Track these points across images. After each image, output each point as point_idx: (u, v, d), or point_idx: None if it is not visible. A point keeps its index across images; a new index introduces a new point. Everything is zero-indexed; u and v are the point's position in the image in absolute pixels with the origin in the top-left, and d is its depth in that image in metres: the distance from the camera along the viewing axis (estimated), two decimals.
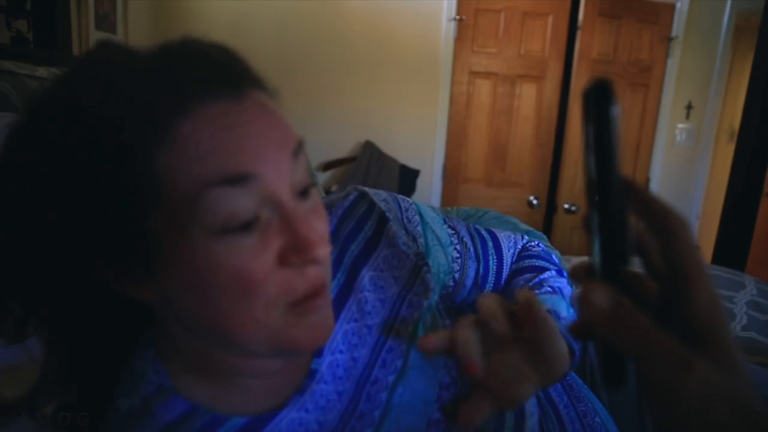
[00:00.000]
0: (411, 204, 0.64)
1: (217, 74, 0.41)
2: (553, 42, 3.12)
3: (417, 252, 0.59)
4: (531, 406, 0.56)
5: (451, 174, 3.29)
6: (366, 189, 0.62)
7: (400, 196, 0.65)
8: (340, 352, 0.53)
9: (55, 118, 0.40)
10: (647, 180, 3.33)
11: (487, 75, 3.19)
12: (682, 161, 3.41)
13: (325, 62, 3.14)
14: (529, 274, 0.66)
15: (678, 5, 3.12)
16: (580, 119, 0.32)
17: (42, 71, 1.67)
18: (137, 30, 2.70)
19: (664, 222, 0.31)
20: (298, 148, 0.44)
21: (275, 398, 0.49)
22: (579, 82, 3.06)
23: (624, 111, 3.21)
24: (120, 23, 2.55)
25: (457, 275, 0.63)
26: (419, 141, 3.23)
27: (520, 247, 0.72)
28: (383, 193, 0.64)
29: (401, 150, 3.18)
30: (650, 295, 0.32)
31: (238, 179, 0.39)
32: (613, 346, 0.29)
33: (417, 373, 0.53)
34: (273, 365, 0.49)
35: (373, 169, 2.95)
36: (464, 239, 0.66)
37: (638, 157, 3.28)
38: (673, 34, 3.17)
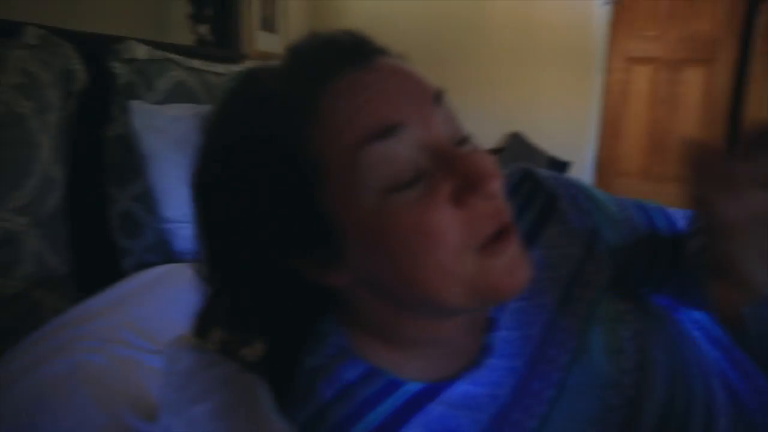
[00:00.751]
0: (577, 181, 0.62)
1: (343, 50, 0.43)
2: (727, 19, 2.80)
3: (590, 227, 0.57)
4: (721, 405, 0.53)
5: (605, 167, 3.10)
6: (531, 167, 0.61)
7: (566, 175, 0.63)
8: (513, 328, 0.52)
9: (223, 139, 0.45)
10: None
11: (647, 60, 2.96)
12: None
13: (471, 53, 3.13)
14: None
15: None
16: None
17: (219, 68, 1.86)
18: (295, 28, 2.90)
19: None
20: (438, 95, 0.44)
21: (450, 368, 0.49)
22: (759, 63, 2.72)
23: None
24: (280, 23, 2.76)
25: (628, 253, 0.60)
26: (570, 132, 3.09)
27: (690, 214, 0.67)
28: (548, 171, 0.62)
29: (550, 142, 3.06)
30: None
31: (388, 131, 0.39)
32: None
33: (595, 356, 0.51)
34: (456, 336, 0.49)
35: (521, 161, 2.88)
36: (633, 215, 0.62)
37: None
38: None
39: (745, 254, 0.43)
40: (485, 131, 3.11)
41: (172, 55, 1.61)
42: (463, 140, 0.44)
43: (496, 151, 3.05)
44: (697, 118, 2.95)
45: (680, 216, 0.65)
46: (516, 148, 2.98)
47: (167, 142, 1.36)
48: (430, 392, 0.48)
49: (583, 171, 3.08)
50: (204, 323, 0.52)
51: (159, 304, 1.04)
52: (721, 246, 0.44)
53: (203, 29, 2.22)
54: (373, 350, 0.49)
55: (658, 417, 0.49)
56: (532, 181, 0.59)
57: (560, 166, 2.99)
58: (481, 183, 0.40)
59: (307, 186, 0.41)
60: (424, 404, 0.47)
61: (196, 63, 1.72)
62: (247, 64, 2.11)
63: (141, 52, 1.49)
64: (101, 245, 1.41)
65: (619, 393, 0.50)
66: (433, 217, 0.39)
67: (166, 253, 1.39)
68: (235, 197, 0.44)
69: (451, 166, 0.40)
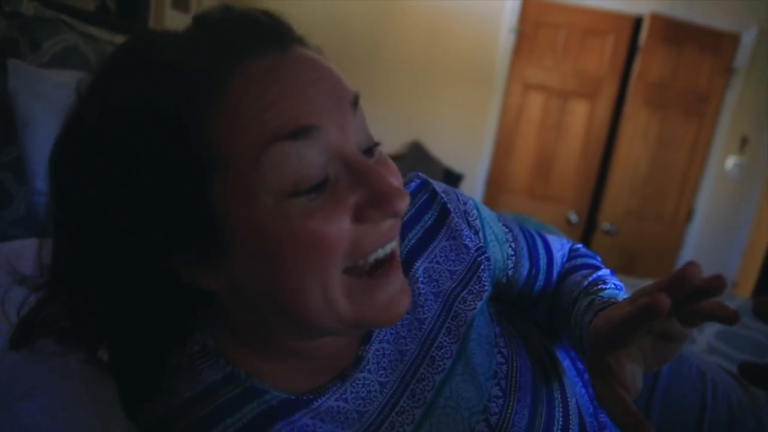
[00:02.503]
0: (469, 198, 0.62)
1: (259, 32, 0.39)
2: (611, 61, 3.10)
3: (479, 246, 0.57)
4: (574, 426, 0.55)
5: (494, 182, 3.29)
6: (428, 178, 0.59)
7: (458, 190, 0.62)
8: (387, 342, 0.50)
9: (100, 106, 0.38)
10: (691, 211, 3.27)
11: (541, 88, 3.19)
12: (731, 195, 3.34)
13: (382, 60, 3.19)
14: (585, 271, 0.63)
15: (744, 37, 3.06)
16: None
17: (120, 39, 1.76)
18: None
19: None
20: (355, 99, 0.41)
21: (317, 379, 0.47)
22: (633, 104, 3.03)
23: (675, 138, 3.17)
24: (193, 3, 2.65)
25: (510, 272, 0.61)
26: (466, 146, 3.25)
27: (567, 249, 0.70)
28: (442, 185, 0.61)
29: (447, 153, 3.20)
30: None
31: (301, 132, 0.36)
32: None
33: (467, 379, 0.50)
34: (326, 348, 0.47)
35: (419, 169, 2.98)
36: (518, 237, 0.64)
37: (685, 186, 3.23)
38: (735, 65, 3.11)
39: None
40: (387, 138, 3.19)
41: (66, 17, 1.50)
42: (373, 148, 0.43)
43: (395, 159, 3.14)
44: (579, 146, 3.23)
45: (557, 246, 0.68)
46: (415, 156, 3.09)
47: (49, 109, 1.27)
48: (293, 405, 0.46)
49: (475, 184, 3.26)
50: (31, 323, 0.43)
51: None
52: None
53: None
54: (239, 354, 0.46)
55: None
56: (428, 191, 0.58)
57: (454, 177, 3.14)
58: (387, 201, 0.38)
59: (198, 176, 0.37)
60: (285, 416, 0.45)
61: (94, 30, 1.61)
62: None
63: (27, 7, 1.38)
64: None
65: (484, 419, 0.49)
66: (332, 229, 0.37)
67: (35, 228, 1.30)
68: (109, 175, 0.38)
69: (362, 178, 0.38)
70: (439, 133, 3.22)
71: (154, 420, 0.43)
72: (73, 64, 1.46)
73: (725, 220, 3.35)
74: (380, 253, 0.41)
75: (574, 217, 3.25)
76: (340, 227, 0.38)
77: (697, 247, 3.30)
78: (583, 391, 0.64)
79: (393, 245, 0.42)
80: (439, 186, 0.60)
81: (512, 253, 0.62)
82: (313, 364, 0.48)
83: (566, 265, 0.68)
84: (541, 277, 0.65)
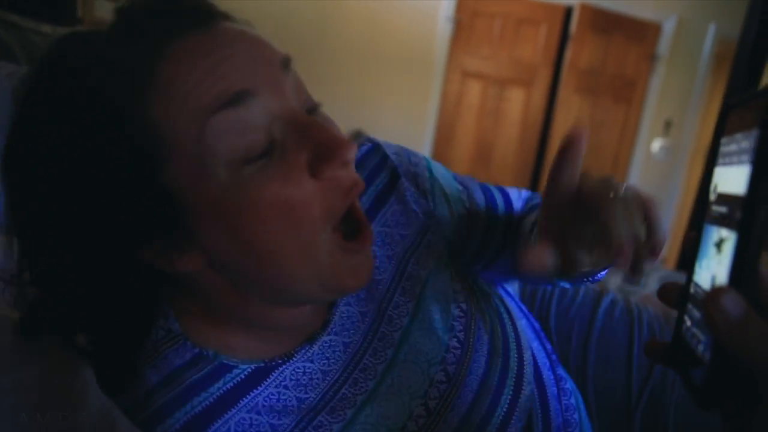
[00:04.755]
0: (421, 159, 0.62)
1: (181, 13, 0.39)
2: (544, 50, 3.23)
3: (426, 210, 0.58)
4: (529, 375, 0.56)
5: None
6: (379, 141, 0.60)
7: (412, 150, 0.62)
8: (350, 304, 0.52)
9: (40, 107, 0.38)
10: None
11: (479, 76, 3.28)
12: (658, 175, 3.55)
13: (322, 51, 3.19)
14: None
15: (665, 26, 3.25)
16: (716, 131, 0.29)
17: (46, 28, 1.70)
18: None
19: None
20: (286, 61, 0.41)
21: (287, 346, 0.48)
22: (566, 91, 3.17)
23: (606, 123, 3.33)
24: None
25: (464, 232, 0.61)
26: (408, 135, 3.31)
27: (525, 196, 0.70)
28: (394, 146, 0.61)
29: (389, 141, 3.24)
30: None
31: (237, 98, 0.37)
32: (731, 358, 0.26)
33: (424, 334, 0.52)
34: (298, 316, 0.48)
35: None
36: (472, 193, 0.63)
37: (617, 168, 3.40)
38: (658, 53, 3.30)
39: (572, 234, 0.41)
40: None
41: None
42: (313, 108, 0.43)
43: None
44: (516, 132, 3.35)
45: (516, 196, 0.67)
46: (357, 145, 3.12)
47: None
48: (263, 372, 0.46)
49: None
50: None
51: None
52: (556, 224, 0.42)
53: None
54: (207, 334, 0.46)
55: (475, 391, 0.52)
56: (379, 155, 0.58)
57: None
58: (336, 151, 0.38)
59: (147, 161, 0.37)
60: (253, 386, 0.46)
61: (16, 18, 1.56)
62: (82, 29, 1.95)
63: None
64: None
65: (442, 369, 0.51)
66: (295, 189, 0.37)
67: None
68: (59, 175, 0.38)
69: (305, 134, 0.39)
70: (380, 121, 3.27)
71: (123, 409, 0.43)
72: None
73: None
74: (350, 200, 0.42)
75: None
76: (302, 187, 0.38)
77: None
78: (540, 346, 0.66)
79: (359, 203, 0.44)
80: (390, 148, 0.59)
81: (465, 211, 0.61)
82: (284, 333, 0.48)
83: (525, 210, 0.66)
84: (500, 230, 0.63)
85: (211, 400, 0.45)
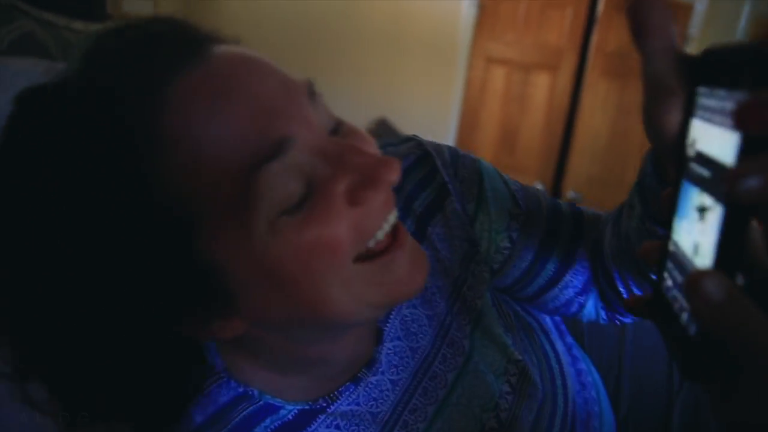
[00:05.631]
0: (475, 169, 0.55)
1: (167, 43, 0.34)
2: (570, 33, 3.17)
3: (471, 237, 0.53)
4: (571, 405, 0.55)
5: None
6: (429, 147, 0.54)
7: (467, 155, 0.56)
8: (399, 339, 0.49)
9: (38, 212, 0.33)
10: None
11: (503, 62, 3.24)
12: None
13: (345, 39, 3.20)
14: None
15: (697, 6, 3.15)
16: (691, 79, 0.27)
17: (78, 24, 1.75)
18: None
19: None
20: (311, 89, 0.38)
21: (333, 385, 0.46)
22: (593, 75, 3.11)
23: (635, 106, 3.26)
24: None
25: (514, 234, 0.55)
26: (432, 121, 3.30)
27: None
28: (447, 152, 0.55)
29: (413, 128, 3.23)
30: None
31: (280, 148, 0.32)
32: (717, 337, 0.26)
33: (478, 376, 0.50)
34: (345, 351, 0.45)
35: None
36: (533, 193, 0.57)
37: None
38: (690, 33, 3.20)
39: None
40: (353, 115, 3.22)
41: (20, 3, 1.50)
42: (338, 127, 0.39)
43: None
44: (542, 117, 3.31)
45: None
46: (381, 132, 3.13)
47: (9, 98, 1.28)
48: (308, 415, 0.45)
49: None
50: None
51: None
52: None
53: None
54: (251, 373, 0.45)
55: None
56: (429, 166, 0.53)
57: None
58: (378, 175, 0.35)
59: (178, 238, 0.33)
60: (302, 426, 0.45)
61: (50, 16, 1.61)
62: (111, 24, 2.00)
63: None
64: None
65: (495, 415, 0.49)
66: (333, 226, 0.34)
67: None
68: (83, 273, 0.34)
69: (341, 163, 0.35)
70: (404, 108, 3.27)
71: None
72: (32, 52, 1.47)
73: None
74: (385, 227, 0.38)
75: (539, 186, 3.34)
76: (340, 220, 0.34)
77: None
78: (560, 341, 0.64)
79: (394, 215, 0.39)
80: (441, 156, 0.54)
81: (508, 245, 0.55)
82: (330, 370, 0.46)
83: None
84: (542, 280, 0.56)
85: None
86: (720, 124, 0.25)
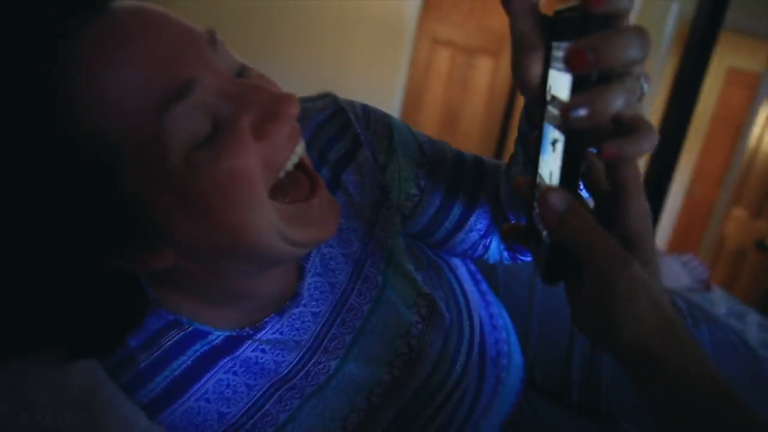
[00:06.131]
0: (387, 123, 0.59)
1: (64, 3, 0.35)
2: None
3: (382, 184, 0.57)
4: (477, 336, 0.61)
5: None
6: (343, 103, 0.57)
7: (377, 110, 0.60)
8: (319, 275, 0.53)
9: None
10: None
11: (448, 44, 3.31)
12: None
13: (293, 14, 3.14)
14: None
15: None
16: (548, 35, 0.33)
17: None
18: None
19: None
20: (212, 38, 0.40)
21: (258, 317, 0.50)
22: None
23: None
24: None
25: (422, 182, 0.59)
26: (376, 99, 3.29)
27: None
28: (359, 107, 0.59)
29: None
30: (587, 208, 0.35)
31: (185, 89, 0.35)
32: (562, 243, 0.32)
33: (390, 308, 0.55)
34: (269, 286, 0.49)
35: None
36: (442, 145, 0.61)
37: None
38: None
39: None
40: (299, 90, 3.17)
41: None
42: (243, 71, 0.42)
43: None
44: (483, 101, 3.41)
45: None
46: None
47: None
48: (234, 341, 0.49)
49: None
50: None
51: None
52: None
53: None
54: (180, 304, 0.47)
55: (434, 360, 0.56)
56: (343, 119, 0.56)
57: None
58: (279, 109, 0.38)
59: (100, 176, 0.35)
60: (230, 349, 0.48)
61: None
62: None
63: None
64: None
65: (406, 342, 0.55)
66: (242, 157, 0.37)
67: None
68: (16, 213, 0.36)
69: (245, 101, 0.38)
70: (350, 85, 3.27)
71: (106, 368, 0.45)
72: None
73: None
74: (294, 159, 0.42)
75: None
76: (248, 152, 0.37)
77: None
78: (475, 288, 0.71)
79: (301, 147, 0.43)
80: (354, 110, 0.57)
81: (416, 192, 0.59)
82: (256, 303, 0.49)
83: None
84: (449, 222, 0.61)
85: (189, 363, 0.47)
86: (563, 69, 0.30)
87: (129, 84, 0.34)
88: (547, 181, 0.34)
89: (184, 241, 0.39)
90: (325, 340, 0.52)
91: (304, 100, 0.57)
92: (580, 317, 0.34)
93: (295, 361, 0.51)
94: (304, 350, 0.51)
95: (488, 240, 0.63)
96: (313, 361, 0.52)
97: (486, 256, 0.65)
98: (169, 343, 0.46)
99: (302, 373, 0.51)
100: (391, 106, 3.36)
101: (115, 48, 0.34)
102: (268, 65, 3.24)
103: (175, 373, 0.46)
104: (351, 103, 0.59)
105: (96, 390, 0.43)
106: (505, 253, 0.64)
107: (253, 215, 0.38)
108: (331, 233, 0.45)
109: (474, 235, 0.62)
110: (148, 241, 0.39)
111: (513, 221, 0.58)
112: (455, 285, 0.64)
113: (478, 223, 0.61)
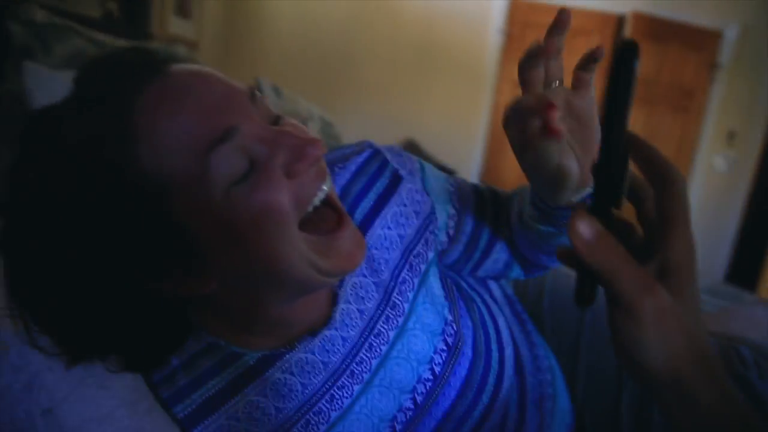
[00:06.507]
0: (416, 161, 0.66)
1: (135, 68, 0.43)
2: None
3: (428, 206, 0.61)
4: (509, 370, 0.62)
5: (487, 177, 3.41)
6: (380, 146, 0.63)
7: (407, 153, 0.66)
8: (348, 302, 0.56)
9: (40, 191, 0.41)
10: None
11: None
12: (720, 189, 3.41)
13: (378, 61, 3.33)
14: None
15: (726, 33, 3.16)
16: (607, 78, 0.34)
17: (122, 42, 1.91)
18: (211, 16, 2.96)
19: (662, 173, 0.34)
20: (252, 94, 0.46)
21: (291, 338, 0.53)
22: None
23: (662, 134, 3.26)
24: (195, 10, 2.82)
25: (451, 231, 0.65)
26: (458, 143, 3.38)
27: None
28: (396, 148, 0.65)
29: (440, 150, 3.32)
30: (635, 237, 0.37)
31: (227, 135, 0.41)
32: (589, 270, 0.33)
33: (416, 334, 0.58)
34: (304, 311, 0.53)
35: None
36: (463, 188, 0.67)
37: None
38: (720, 61, 3.20)
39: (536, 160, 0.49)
40: (381, 135, 3.33)
41: (74, 24, 1.66)
42: (278, 120, 0.47)
43: None
44: None
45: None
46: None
47: None
48: (267, 360, 0.52)
49: (467, 179, 3.38)
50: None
51: None
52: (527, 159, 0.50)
53: (111, 5, 2.26)
54: (218, 329, 0.52)
55: (458, 389, 0.57)
56: (379, 160, 0.61)
57: (447, 172, 3.26)
58: (304, 151, 0.43)
59: (152, 206, 0.41)
60: (261, 371, 0.52)
61: (100, 35, 1.77)
62: (154, 44, 2.17)
63: (40, 15, 1.54)
64: None
65: (430, 368, 0.57)
66: (273, 193, 0.42)
67: None
68: (79, 238, 0.42)
69: (276, 145, 0.43)
70: (431, 130, 3.35)
71: (150, 386, 0.50)
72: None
73: (716, 213, 3.42)
74: (320, 195, 0.46)
75: None
76: (280, 188, 0.42)
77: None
78: (519, 327, 0.72)
79: (326, 188, 0.47)
80: (391, 152, 0.63)
81: (454, 212, 0.65)
82: (291, 330, 0.53)
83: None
84: (485, 238, 0.67)
85: (223, 384, 0.51)
86: None
87: (181, 130, 0.41)
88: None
89: (224, 268, 0.44)
90: (352, 364, 0.55)
91: (345, 147, 0.64)
92: (616, 344, 0.34)
93: (320, 385, 0.53)
94: (330, 373, 0.54)
95: (512, 265, 0.69)
96: (337, 384, 0.54)
97: (510, 276, 0.71)
98: (207, 365, 0.51)
99: (326, 396, 0.54)
100: (473, 150, 3.39)
101: (170, 102, 0.41)
102: (352, 112, 3.46)
103: (211, 392, 0.51)
104: (387, 147, 0.65)
105: (142, 397, 0.49)
106: (521, 273, 0.70)
107: (285, 245, 0.43)
108: (356, 263, 0.49)
109: (500, 264, 0.68)
110: (193, 266, 0.44)
111: (528, 252, 0.64)
112: (486, 317, 0.65)
113: (502, 251, 0.67)
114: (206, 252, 0.43)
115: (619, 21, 3.14)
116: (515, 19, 3.21)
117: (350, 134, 3.37)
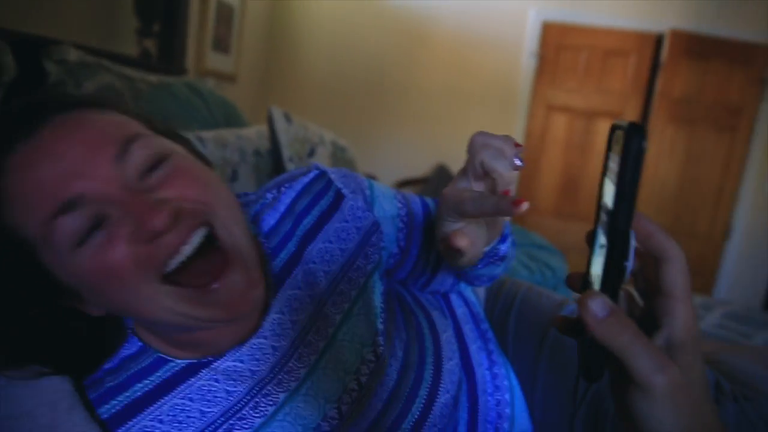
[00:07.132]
0: (364, 180, 0.69)
1: (13, 123, 0.47)
2: (634, 80, 3.13)
3: (372, 220, 0.64)
4: (447, 384, 0.62)
5: None
6: (325, 168, 0.67)
7: (353, 173, 0.70)
8: (282, 313, 0.58)
9: None
10: (728, 227, 3.17)
11: (565, 109, 3.25)
12: None
13: (412, 90, 3.36)
14: None
15: None
16: (606, 146, 0.35)
17: (153, 78, 1.99)
18: (249, 51, 3.06)
19: (664, 249, 0.35)
20: (124, 145, 0.47)
21: (220, 347, 0.55)
22: (657, 121, 3.03)
23: (706, 154, 3.12)
24: (234, 44, 2.91)
25: (402, 243, 0.68)
26: None
27: None
28: (343, 170, 0.68)
29: None
30: (635, 308, 0.38)
31: (66, 207, 0.44)
32: (602, 347, 0.32)
33: (344, 345, 0.58)
34: (224, 336, 0.54)
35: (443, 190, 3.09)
36: (413, 206, 0.69)
37: (720, 202, 3.15)
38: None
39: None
40: (414, 161, 3.33)
41: (105, 61, 1.75)
42: (158, 163, 0.48)
43: (421, 181, 3.26)
44: None
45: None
46: (440, 178, 3.19)
47: None
48: (194, 367, 0.54)
49: None
50: None
51: None
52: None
53: (149, 43, 2.37)
54: (150, 337, 0.55)
55: (384, 401, 0.57)
56: (324, 180, 0.65)
57: None
58: (146, 225, 0.44)
59: (25, 255, 0.46)
60: (188, 377, 0.54)
61: (130, 71, 1.86)
62: (186, 78, 2.26)
63: (74, 54, 1.63)
64: None
65: (356, 378, 0.57)
66: (110, 258, 0.44)
67: None
68: None
69: (124, 211, 0.45)
70: (463, 156, 3.31)
71: (80, 388, 0.53)
72: (110, 100, 1.69)
73: (763, 242, 3.22)
74: (179, 258, 0.47)
75: None
76: (116, 252, 0.44)
77: (737, 263, 3.19)
78: (482, 347, 0.72)
79: (189, 247, 0.47)
80: (337, 173, 0.66)
81: (402, 225, 0.67)
82: (217, 347, 0.55)
83: None
84: (432, 257, 0.69)
85: (150, 386, 0.53)
86: (612, 179, 0.32)
87: (34, 196, 0.45)
88: (595, 282, 0.35)
89: (102, 306, 0.48)
90: (281, 373, 0.56)
91: (295, 170, 0.69)
92: (624, 417, 0.34)
93: (245, 392, 0.54)
94: (257, 381, 0.55)
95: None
96: (263, 392, 0.55)
97: (459, 287, 0.76)
98: (135, 369, 0.53)
99: (251, 404, 0.54)
100: None
101: (31, 166, 0.45)
102: (388, 135, 3.47)
103: (137, 395, 0.53)
104: (334, 169, 0.68)
105: (64, 396, 0.51)
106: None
107: (141, 300, 0.46)
108: (238, 312, 0.49)
109: (449, 280, 0.71)
110: (76, 297, 0.48)
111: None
112: (426, 331, 0.65)
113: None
114: (79, 291, 0.47)
115: (658, 40, 3.05)
116: (548, 41, 3.17)
117: (384, 161, 3.40)
